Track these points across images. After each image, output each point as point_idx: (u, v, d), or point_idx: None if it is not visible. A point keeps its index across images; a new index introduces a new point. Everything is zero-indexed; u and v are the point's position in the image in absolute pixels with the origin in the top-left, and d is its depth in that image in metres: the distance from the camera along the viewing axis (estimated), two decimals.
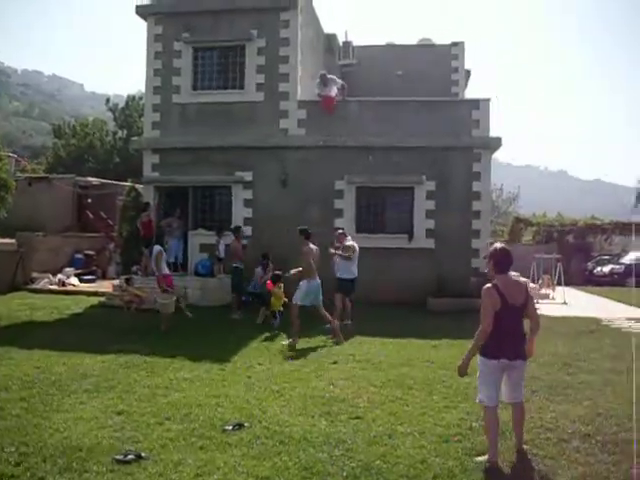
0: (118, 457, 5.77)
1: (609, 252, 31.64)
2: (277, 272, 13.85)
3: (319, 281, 12.26)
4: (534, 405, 7.61)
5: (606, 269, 28.76)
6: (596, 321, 14.85)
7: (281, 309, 13.70)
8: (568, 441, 6.37)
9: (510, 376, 5.93)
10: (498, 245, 6.09)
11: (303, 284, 12.09)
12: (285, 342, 11.62)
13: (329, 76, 18.84)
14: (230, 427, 6.63)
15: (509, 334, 5.79)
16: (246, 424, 6.74)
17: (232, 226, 16.49)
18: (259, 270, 15.33)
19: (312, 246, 12.44)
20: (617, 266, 28.54)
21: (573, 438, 6.45)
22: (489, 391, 5.87)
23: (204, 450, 6.02)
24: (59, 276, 19.94)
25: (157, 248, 13.62)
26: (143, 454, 5.84)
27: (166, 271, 13.59)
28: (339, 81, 18.99)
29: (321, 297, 12.34)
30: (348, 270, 13.84)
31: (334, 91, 18.72)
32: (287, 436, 6.41)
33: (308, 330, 12.50)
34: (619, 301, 19.14)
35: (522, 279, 6.05)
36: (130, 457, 5.76)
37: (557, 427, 6.79)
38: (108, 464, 5.65)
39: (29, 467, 5.57)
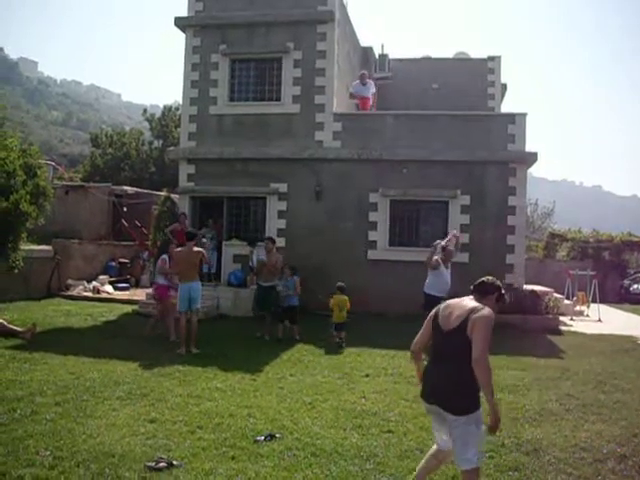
0: (150, 464, 5.80)
1: None
2: (340, 284, 13.56)
3: (192, 284, 12.00)
4: (568, 424, 7.52)
5: None
6: (632, 339, 14.64)
7: (342, 321, 13.08)
8: (603, 462, 6.27)
9: (449, 429, 4.71)
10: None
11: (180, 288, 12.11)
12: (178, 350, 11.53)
13: (369, 80, 19.23)
14: (262, 438, 6.64)
15: (431, 366, 4.85)
16: (278, 435, 6.75)
17: (265, 236, 16.41)
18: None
19: (184, 248, 12.22)
20: None
21: (609, 459, 6.35)
22: (435, 434, 5.02)
23: (235, 460, 6.04)
24: (94, 283, 20.16)
25: (162, 257, 13.58)
26: (175, 462, 5.87)
27: (160, 282, 13.42)
28: (374, 88, 19.42)
29: (197, 304, 12.11)
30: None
31: (372, 92, 19.20)
32: (319, 448, 6.41)
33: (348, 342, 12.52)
34: None
35: (471, 304, 4.72)
36: (162, 465, 5.79)
37: (592, 447, 6.69)
38: (140, 471, 5.69)
39: (63, 471, 5.63)
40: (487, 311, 4.57)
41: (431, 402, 4.69)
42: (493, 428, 4.54)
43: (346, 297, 13.13)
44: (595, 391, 9.32)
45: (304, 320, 15.29)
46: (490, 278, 4.95)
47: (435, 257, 13.06)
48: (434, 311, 4.90)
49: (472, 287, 4.93)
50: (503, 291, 4.93)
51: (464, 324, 4.54)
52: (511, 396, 8.85)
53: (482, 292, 4.84)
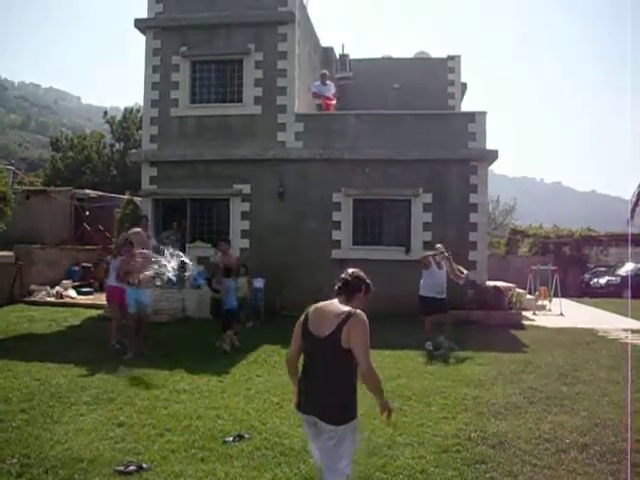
0: (119, 468, 5.81)
1: (605, 264, 31.74)
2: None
3: (139, 289, 11.81)
4: (532, 416, 7.67)
5: (602, 280, 28.85)
6: (592, 332, 14.90)
7: None
8: (566, 451, 6.43)
9: (322, 441, 4.44)
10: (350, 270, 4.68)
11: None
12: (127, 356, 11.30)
13: (328, 82, 19.39)
14: (230, 438, 6.68)
15: (306, 374, 4.53)
16: (246, 435, 6.79)
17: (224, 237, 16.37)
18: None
19: (134, 251, 12.02)
20: (613, 278, 28.64)
21: (571, 448, 6.51)
22: (310, 446, 4.71)
23: (205, 461, 6.07)
24: (57, 288, 19.93)
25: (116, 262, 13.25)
26: (144, 465, 5.89)
27: (110, 283, 13.11)
28: (334, 88, 19.59)
29: (144, 307, 11.94)
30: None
31: (332, 92, 19.42)
32: (287, 447, 6.46)
33: None
34: (615, 312, 19.19)
35: (341, 308, 4.39)
36: (131, 468, 5.80)
37: (555, 437, 6.84)
38: (110, 475, 5.71)
39: (31, 478, 5.64)
40: (360, 316, 4.29)
41: (308, 413, 4.42)
42: (388, 418, 4.53)
43: None
44: (557, 383, 9.50)
45: (271, 321, 15.37)
46: (353, 272, 4.62)
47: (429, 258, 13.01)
48: (303, 315, 4.55)
49: (337, 288, 4.57)
50: (368, 281, 4.62)
51: (338, 331, 4.24)
52: (476, 390, 8.99)
53: (349, 292, 4.53)
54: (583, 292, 27.81)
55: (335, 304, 4.46)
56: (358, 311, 4.34)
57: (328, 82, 19.71)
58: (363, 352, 4.22)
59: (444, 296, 12.76)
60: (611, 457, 6.25)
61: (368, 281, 4.62)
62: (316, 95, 19.74)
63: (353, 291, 4.53)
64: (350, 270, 4.64)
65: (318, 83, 19.68)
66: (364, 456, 6.22)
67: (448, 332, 12.45)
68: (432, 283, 12.67)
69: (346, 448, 4.36)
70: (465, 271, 13.48)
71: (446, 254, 13.03)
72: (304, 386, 4.50)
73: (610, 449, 6.48)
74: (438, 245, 13.28)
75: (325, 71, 20.28)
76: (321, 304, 4.53)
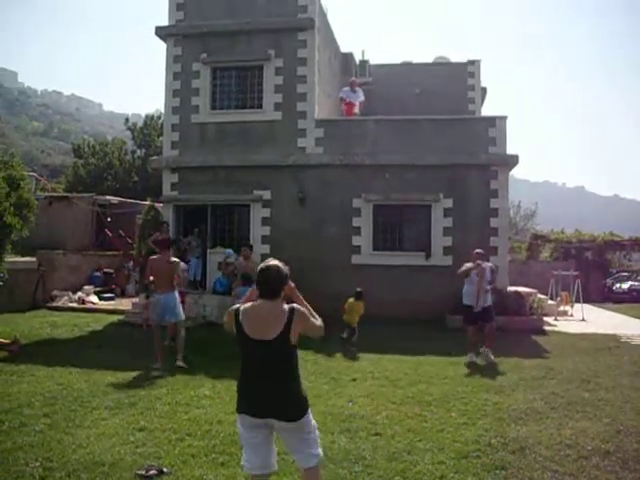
0: (140, 472, 5.84)
1: (628, 269, 31.48)
2: (359, 290, 13.54)
3: (168, 295, 11.22)
4: (553, 422, 7.62)
5: (625, 286, 28.63)
6: (615, 338, 14.79)
7: (355, 325, 13.21)
8: (588, 458, 6.36)
9: (284, 438, 4.56)
10: (264, 264, 4.54)
11: (154, 299, 11.40)
12: (154, 366, 10.86)
13: (357, 88, 19.43)
14: None
15: (251, 377, 4.45)
16: None
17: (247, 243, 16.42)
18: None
19: (157, 256, 11.45)
20: (636, 283, 28.41)
21: (593, 455, 6.44)
22: (246, 453, 4.54)
23: (225, 466, 6.08)
24: (79, 294, 20.09)
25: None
26: (165, 469, 5.91)
27: None
28: (362, 96, 19.71)
29: (177, 315, 11.37)
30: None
31: (360, 99, 19.72)
32: None
33: (330, 347, 12.52)
34: (638, 318, 19.04)
35: (278, 307, 4.40)
36: (152, 472, 5.82)
37: (577, 444, 6.78)
38: (130, 479, 5.73)
39: None
40: (300, 309, 4.42)
41: (264, 416, 4.35)
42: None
43: (353, 301, 13.22)
44: (579, 389, 9.43)
45: None
46: (272, 267, 4.48)
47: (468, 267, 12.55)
48: (231, 317, 4.51)
49: (265, 292, 4.45)
50: (287, 270, 4.53)
51: (286, 330, 4.29)
52: (497, 396, 8.94)
53: (279, 289, 4.47)
54: (605, 297, 27.61)
55: (268, 305, 4.42)
56: (295, 305, 4.46)
57: (357, 89, 19.77)
58: (311, 324, 4.49)
59: (488, 304, 12.19)
60: (634, 464, 6.18)
61: (287, 270, 4.55)
62: (343, 100, 19.77)
63: (282, 287, 4.49)
64: (268, 264, 4.51)
65: (347, 89, 19.74)
66: (384, 461, 6.22)
67: (492, 343, 11.95)
68: (471, 291, 12.26)
69: (313, 433, 4.51)
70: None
71: (491, 265, 12.79)
72: (251, 390, 4.45)
73: (633, 456, 6.41)
74: (478, 250, 12.59)
75: (354, 78, 20.42)
76: (250, 306, 4.48)
